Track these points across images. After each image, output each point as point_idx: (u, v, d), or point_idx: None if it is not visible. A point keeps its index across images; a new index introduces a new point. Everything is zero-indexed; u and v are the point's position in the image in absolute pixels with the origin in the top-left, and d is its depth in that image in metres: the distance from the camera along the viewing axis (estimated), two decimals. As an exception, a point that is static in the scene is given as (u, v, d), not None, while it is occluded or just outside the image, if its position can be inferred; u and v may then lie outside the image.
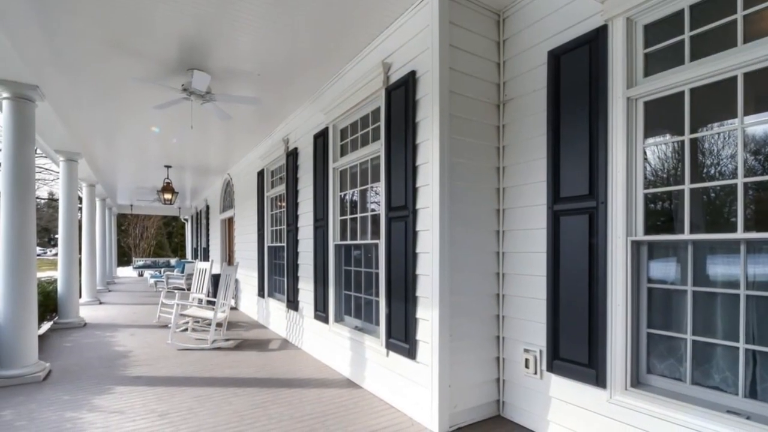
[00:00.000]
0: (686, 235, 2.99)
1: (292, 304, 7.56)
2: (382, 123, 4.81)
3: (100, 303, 12.74)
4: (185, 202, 22.02)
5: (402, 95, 4.44)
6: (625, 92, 3.25)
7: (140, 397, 4.91)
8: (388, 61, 4.74)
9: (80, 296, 11.26)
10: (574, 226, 3.58)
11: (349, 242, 5.84)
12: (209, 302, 9.13)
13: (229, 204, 13.51)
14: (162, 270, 22.43)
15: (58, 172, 9.90)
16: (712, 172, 3.12)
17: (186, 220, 27.38)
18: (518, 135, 4.18)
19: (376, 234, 5.24)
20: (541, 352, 3.90)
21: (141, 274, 25.96)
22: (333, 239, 6.03)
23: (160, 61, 5.37)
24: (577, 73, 3.56)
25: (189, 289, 13.76)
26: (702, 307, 3.02)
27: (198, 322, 8.77)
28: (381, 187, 4.80)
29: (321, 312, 6.31)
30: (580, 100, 3.53)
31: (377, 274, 5.10)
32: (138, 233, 38.83)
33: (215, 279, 10.77)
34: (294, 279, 7.50)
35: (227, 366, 6.19)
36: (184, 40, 4.84)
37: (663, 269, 3.27)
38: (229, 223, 14.04)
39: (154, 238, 40.17)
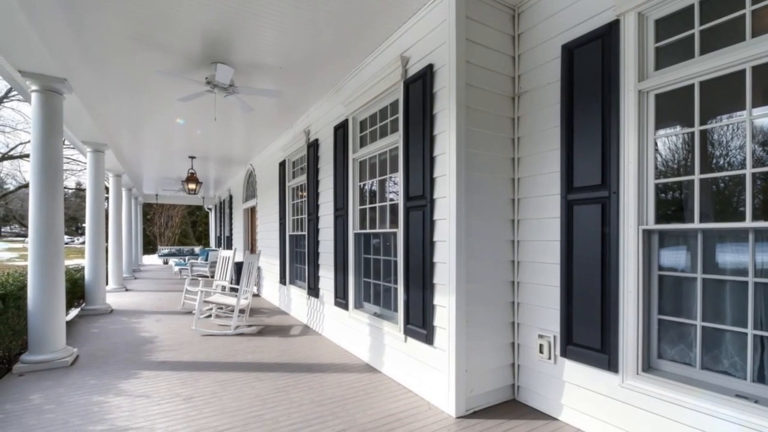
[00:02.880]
0: (696, 224, 3.07)
1: (313, 291, 7.73)
2: (400, 115, 4.91)
3: (127, 290, 13.04)
4: (209, 191, 22.27)
5: (420, 88, 4.53)
6: (636, 85, 3.31)
7: (165, 381, 5.07)
8: (406, 55, 4.83)
9: (107, 283, 11.59)
10: (587, 216, 3.65)
11: (368, 231, 5.99)
12: (232, 289, 9.33)
13: (251, 194, 13.68)
14: (186, 258, 22.75)
15: (85, 163, 10.10)
16: (721, 162, 3.18)
17: (210, 209, 27.66)
18: (533, 127, 4.25)
19: (394, 223, 5.35)
20: (554, 337, 4.00)
21: (166, 262, 26.19)
22: (353, 228, 6.16)
23: (185, 54, 5.51)
24: (590, 67, 3.62)
25: (213, 277, 14.01)
26: (711, 294, 3.09)
27: (221, 308, 9.02)
28: (399, 177, 4.90)
29: (341, 299, 6.46)
30: (593, 92, 3.59)
31: (395, 262, 5.23)
32: (163, 222, 39.28)
33: (238, 267, 10.99)
34: (315, 267, 7.66)
35: (250, 351, 6.36)
36: (207, 34, 4.97)
37: (673, 257, 3.34)
38: (251, 212, 14.22)
39: (179, 227, 40.55)
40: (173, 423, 4.00)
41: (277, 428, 3.88)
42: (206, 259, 16.71)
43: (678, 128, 3.36)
